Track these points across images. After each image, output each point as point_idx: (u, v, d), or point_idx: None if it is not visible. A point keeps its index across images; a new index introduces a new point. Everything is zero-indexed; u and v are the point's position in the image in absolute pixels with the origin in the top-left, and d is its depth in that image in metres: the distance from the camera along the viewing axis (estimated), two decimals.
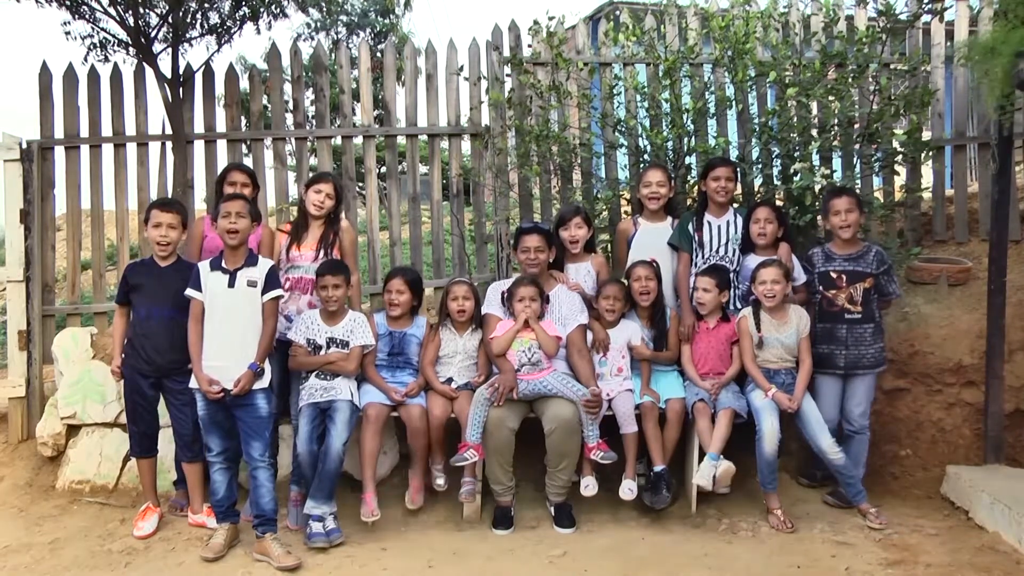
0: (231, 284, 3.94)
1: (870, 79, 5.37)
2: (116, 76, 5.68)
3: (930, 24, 5.84)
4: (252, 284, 3.96)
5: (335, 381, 4.20)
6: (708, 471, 4.17)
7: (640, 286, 4.47)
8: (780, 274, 4.30)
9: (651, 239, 4.70)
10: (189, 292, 3.97)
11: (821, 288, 4.45)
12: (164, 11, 5.61)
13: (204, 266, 4.00)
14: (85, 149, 5.65)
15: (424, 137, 5.99)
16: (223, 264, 3.98)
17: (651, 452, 4.28)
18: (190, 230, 4.32)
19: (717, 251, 4.62)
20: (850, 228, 4.38)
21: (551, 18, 5.51)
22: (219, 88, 5.82)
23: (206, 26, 5.89)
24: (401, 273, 4.54)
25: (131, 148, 5.67)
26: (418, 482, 4.37)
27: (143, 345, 4.15)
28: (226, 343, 3.92)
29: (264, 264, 4.04)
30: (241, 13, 5.94)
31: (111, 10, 5.56)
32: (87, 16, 5.75)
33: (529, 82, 5.47)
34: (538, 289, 4.33)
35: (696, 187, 5.07)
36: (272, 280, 4.02)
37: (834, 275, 4.42)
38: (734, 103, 5.59)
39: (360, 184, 7.44)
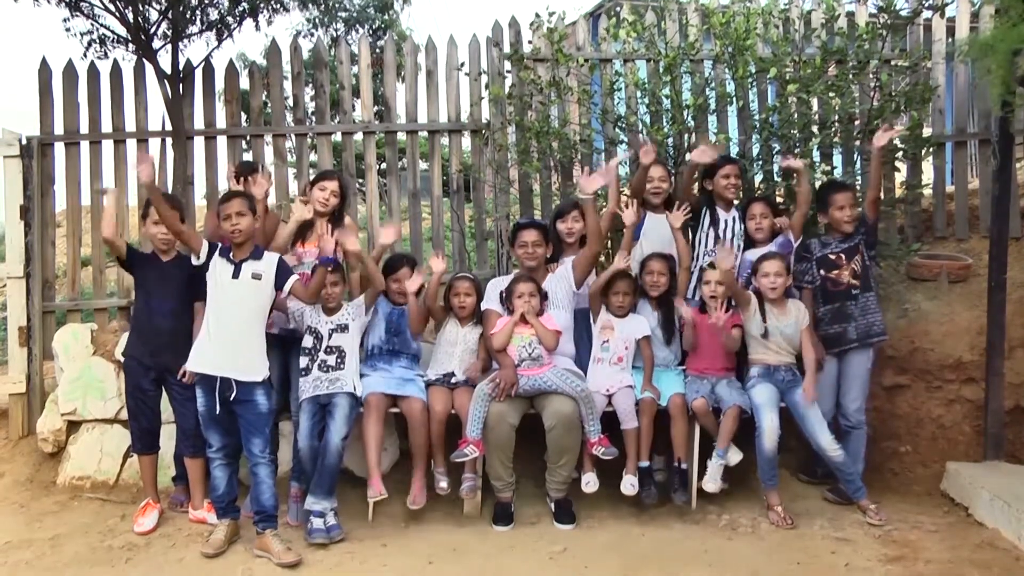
0: (236, 275, 3.94)
1: (871, 75, 5.37)
2: (116, 72, 5.67)
3: (931, 20, 5.83)
4: (257, 277, 3.96)
5: (339, 372, 4.21)
6: (716, 472, 4.22)
7: (652, 280, 4.53)
8: (782, 267, 4.35)
9: (660, 228, 4.71)
10: (203, 239, 4.02)
11: (822, 272, 4.50)
12: (163, 7, 5.60)
13: (218, 247, 4.01)
14: (85, 145, 5.64)
15: (424, 133, 5.98)
16: (230, 254, 3.98)
17: (640, 447, 4.29)
18: (206, 224, 4.35)
19: (723, 244, 4.66)
20: (852, 223, 4.49)
21: (551, 14, 5.50)
22: (219, 84, 5.81)
23: (205, 22, 5.88)
24: (407, 261, 4.55)
25: (131, 144, 5.66)
26: (420, 482, 4.36)
27: (146, 340, 4.16)
28: (227, 336, 3.91)
29: (270, 257, 4.04)
30: (240, 9, 5.93)
31: (110, 6, 5.55)
32: (86, 12, 5.74)
33: (529, 78, 5.46)
34: (536, 285, 4.34)
35: (699, 184, 5.07)
36: (284, 270, 4.04)
37: (833, 256, 4.51)
38: (735, 99, 5.58)
39: (360, 180, 7.44)
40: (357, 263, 4.44)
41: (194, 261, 4.01)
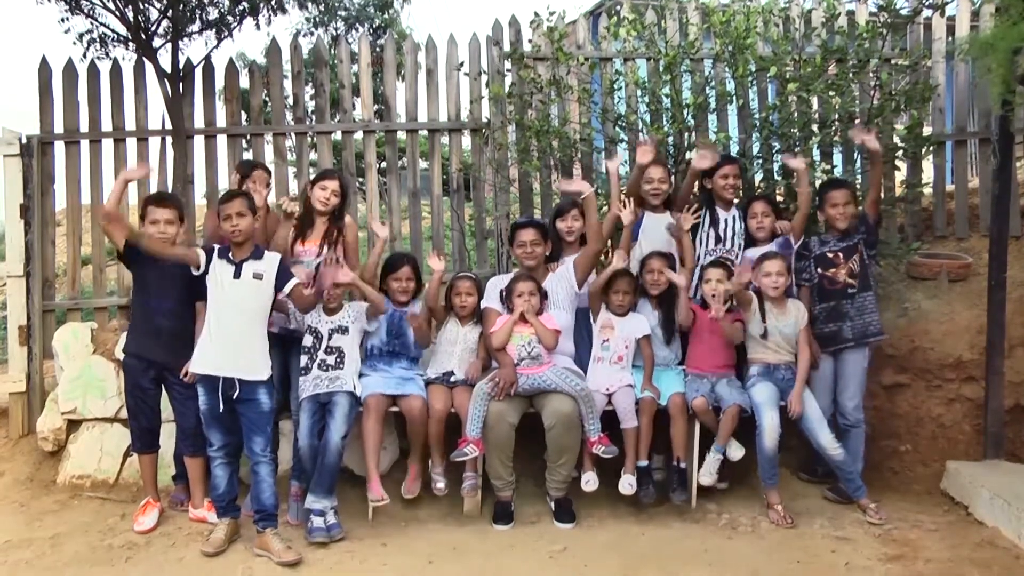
0: (237, 275, 3.93)
1: (871, 74, 5.36)
2: (116, 71, 5.67)
3: (931, 19, 5.82)
4: (258, 276, 3.95)
5: (338, 371, 4.21)
6: (712, 466, 4.22)
7: (652, 278, 4.53)
8: (783, 266, 4.36)
9: (659, 228, 4.70)
10: (198, 250, 4.00)
11: (819, 270, 4.51)
12: (163, 6, 5.60)
13: (216, 249, 4.00)
14: (85, 144, 5.64)
15: (424, 132, 5.98)
16: (230, 255, 3.97)
17: (639, 446, 4.29)
18: (206, 224, 4.35)
19: (724, 244, 4.70)
20: (846, 220, 4.49)
21: (551, 13, 5.50)
22: (219, 83, 5.81)
23: (205, 21, 5.88)
24: (407, 261, 4.55)
25: (131, 143, 5.66)
26: (415, 471, 4.38)
27: (145, 339, 4.15)
28: (228, 336, 3.90)
29: (271, 257, 4.04)
30: (240, 8, 5.93)
31: (110, 5, 5.55)
32: (86, 11, 5.74)
33: (529, 77, 5.46)
34: (536, 284, 4.34)
35: (698, 183, 5.07)
36: (285, 271, 4.02)
37: (831, 255, 4.51)
38: (735, 98, 5.58)
39: (360, 179, 7.43)
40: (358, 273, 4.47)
41: (194, 272, 3.98)
